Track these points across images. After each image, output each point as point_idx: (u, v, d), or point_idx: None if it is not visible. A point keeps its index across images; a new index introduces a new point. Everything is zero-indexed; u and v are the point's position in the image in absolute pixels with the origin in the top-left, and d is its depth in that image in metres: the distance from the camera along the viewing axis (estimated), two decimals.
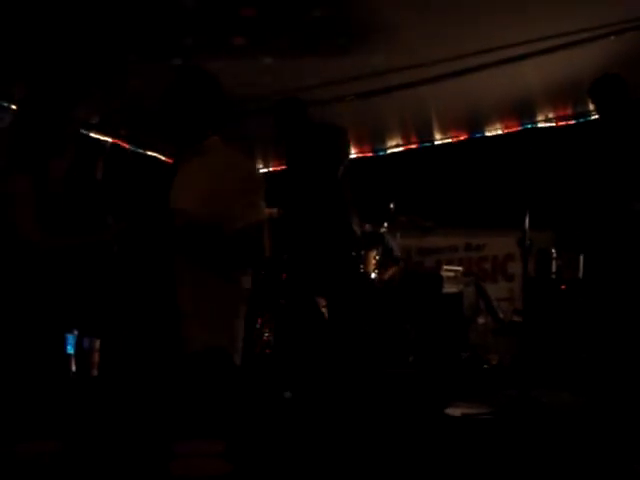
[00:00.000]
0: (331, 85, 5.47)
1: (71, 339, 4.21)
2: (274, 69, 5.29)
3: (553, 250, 5.21)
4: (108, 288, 3.12)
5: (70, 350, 4.19)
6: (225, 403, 2.44)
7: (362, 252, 5.04)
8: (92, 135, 6.12)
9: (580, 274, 4.85)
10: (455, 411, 3.90)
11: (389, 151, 7.15)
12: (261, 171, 7.40)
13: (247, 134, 6.24)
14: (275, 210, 4.68)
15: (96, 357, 4.37)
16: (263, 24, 4.69)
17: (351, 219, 4.52)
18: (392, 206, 5.44)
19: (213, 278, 2.47)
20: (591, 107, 5.62)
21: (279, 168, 7.13)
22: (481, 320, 5.53)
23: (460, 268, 5.98)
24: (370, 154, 7.20)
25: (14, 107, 5.43)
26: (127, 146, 6.56)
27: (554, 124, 6.22)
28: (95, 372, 4.35)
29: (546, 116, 6.25)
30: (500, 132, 6.51)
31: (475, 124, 6.58)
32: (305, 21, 4.68)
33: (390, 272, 5.23)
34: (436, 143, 6.88)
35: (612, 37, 4.85)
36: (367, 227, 5.23)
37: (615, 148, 4.27)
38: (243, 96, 5.52)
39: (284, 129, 4.58)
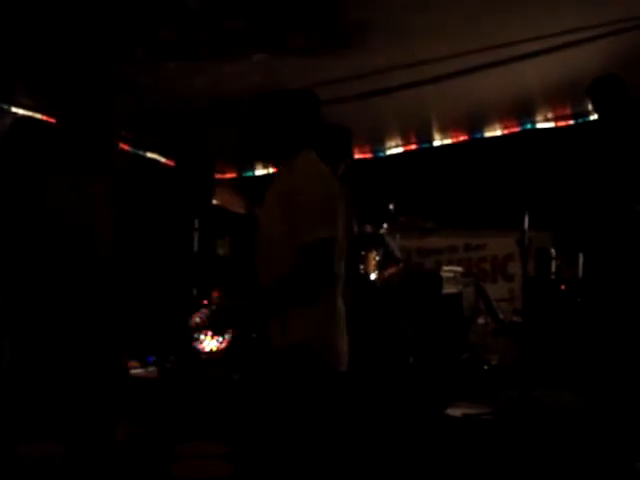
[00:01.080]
0: (330, 85, 5.46)
1: None
2: (273, 69, 5.29)
3: (552, 250, 5.21)
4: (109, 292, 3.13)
5: None
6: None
7: (362, 253, 5.04)
8: None
9: (580, 274, 4.86)
10: (456, 411, 3.90)
11: (388, 152, 7.15)
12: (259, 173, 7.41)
13: (245, 134, 6.24)
14: None
15: None
16: (263, 24, 4.70)
17: (350, 220, 4.52)
18: (391, 207, 5.45)
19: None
20: (590, 107, 5.64)
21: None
22: (481, 320, 5.53)
23: (460, 268, 5.99)
24: (369, 155, 7.20)
25: (14, 109, 5.45)
26: (127, 148, 6.56)
27: (553, 124, 6.23)
28: None
29: (545, 116, 6.26)
30: (499, 133, 6.51)
31: (474, 125, 6.58)
32: (304, 21, 4.69)
33: (389, 271, 5.23)
34: (435, 144, 6.88)
35: (610, 37, 4.85)
36: (367, 228, 5.23)
37: (614, 148, 4.28)
38: (243, 96, 5.52)
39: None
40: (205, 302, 5.29)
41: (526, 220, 4.77)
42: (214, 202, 7.08)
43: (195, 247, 6.95)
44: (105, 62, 4.88)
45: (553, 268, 5.24)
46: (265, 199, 2.70)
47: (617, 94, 4.26)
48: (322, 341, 2.57)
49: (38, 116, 5.48)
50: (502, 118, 6.40)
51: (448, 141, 6.82)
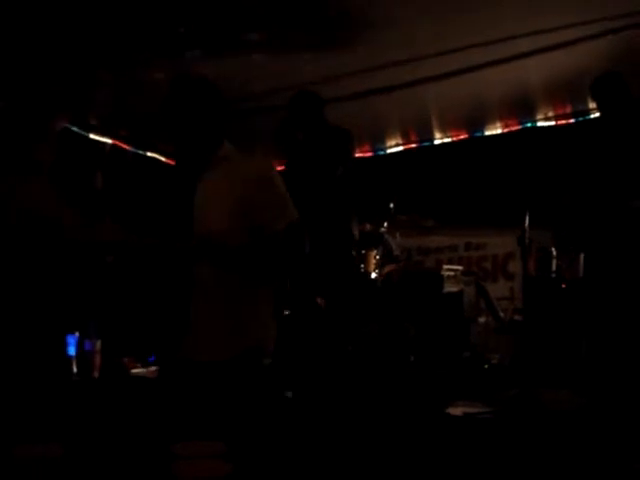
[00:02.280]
0: (330, 83, 5.46)
1: (73, 341, 4.22)
2: (273, 68, 5.29)
3: (553, 249, 5.21)
4: (108, 291, 3.13)
5: (72, 352, 4.21)
6: (239, 404, 2.46)
7: (362, 252, 5.04)
8: (91, 137, 6.11)
9: (580, 273, 4.85)
10: (456, 410, 3.90)
11: (389, 150, 7.14)
12: None
13: (247, 134, 6.23)
14: None
15: (98, 359, 4.39)
16: (261, 23, 4.69)
17: (349, 220, 4.53)
18: (392, 206, 5.44)
19: (239, 283, 2.50)
20: (591, 105, 5.64)
21: (279, 169, 7.13)
22: (481, 319, 5.53)
23: (460, 267, 5.98)
24: (370, 154, 7.19)
25: None
26: (127, 147, 6.56)
27: (554, 123, 6.22)
28: (96, 374, 4.36)
29: (545, 114, 6.25)
30: (500, 131, 6.50)
31: (475, 123, 6.58)
32: (303, 19, 4.68)
33: (388, 268, 5.23)
34: (436, 142, 6.88)
35: (609, 36, 4.84)
36: (367, 227, 5.23)
37: (615, 146, 4.28)
38: (242, 95, 5.53)
39: (298, 123, 4.58)
40: None
41: (527, 219, 4.77)
42: None
43: None
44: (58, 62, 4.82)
45: (554, 267, 5.24)
46: (200, 191, 2.58)
47: (619, 92, 4.26)
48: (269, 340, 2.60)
49: None
50: (502, 116, 6.39)
51: (448, 139, 6.82)
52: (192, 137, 2.58)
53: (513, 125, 6.42)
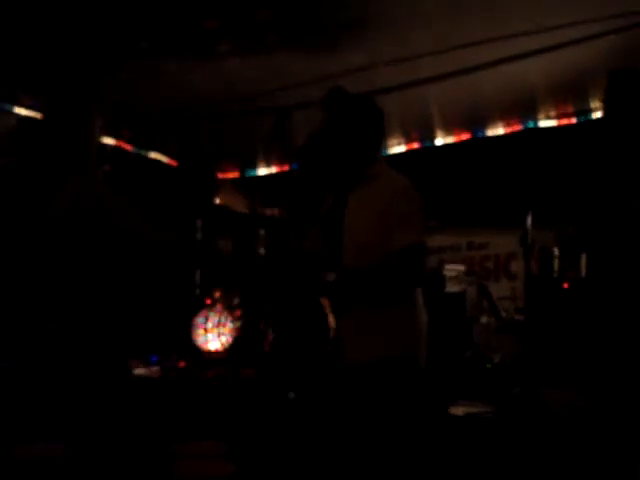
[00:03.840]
0: (331, 83, 5.46)
1: None
2: (274, 67, 5.29)
3: (555, 248, 5.21)
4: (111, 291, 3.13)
5: None
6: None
7: None
8: None
9: (583, 273, 4.85)
10: (458, 410, 3.90)
11: (390, 151, 7.14)
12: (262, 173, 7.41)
13: (248, 134, 6.25)
14: (276, 210, 4.70)
15: None
16: (260, 21, 4.70)
17: None
18: None
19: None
20: (593, 104, 5.63)
21: (281, 169, 7.16)
22: (484, 319, 5.53)
23: (462, 267, 5.97)
24: None
25: (17, 109, 5.44)
26: (129, 148, 6.57)
27: (556, 122, 6.21)
28: None
29: (547, 114, 6.24)
30: (502, 131, 6.50)
31: (477, 123, 6.57)
32: (303, 16, 4.68)
33: None
34: (438, 143, 6.87)
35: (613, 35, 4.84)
36: None
37: (619, 145, 4.26)
38: (245, 94, 5.54)
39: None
40: (209, 302, 5.30)
41: (529, 218, 4.77)
42: (217, 202, 7.09)
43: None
44: (92, 61, 4.86)
45: (556, 267, 5.23)
46: (351, 204, 2.86)
47: (632, 90, 4.23)
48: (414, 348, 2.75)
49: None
50: (504, 117, 6.38)
51: (451, 140, 6.81)
52: (350, 153, 2.87)
53: (515, 125, 6.41)
